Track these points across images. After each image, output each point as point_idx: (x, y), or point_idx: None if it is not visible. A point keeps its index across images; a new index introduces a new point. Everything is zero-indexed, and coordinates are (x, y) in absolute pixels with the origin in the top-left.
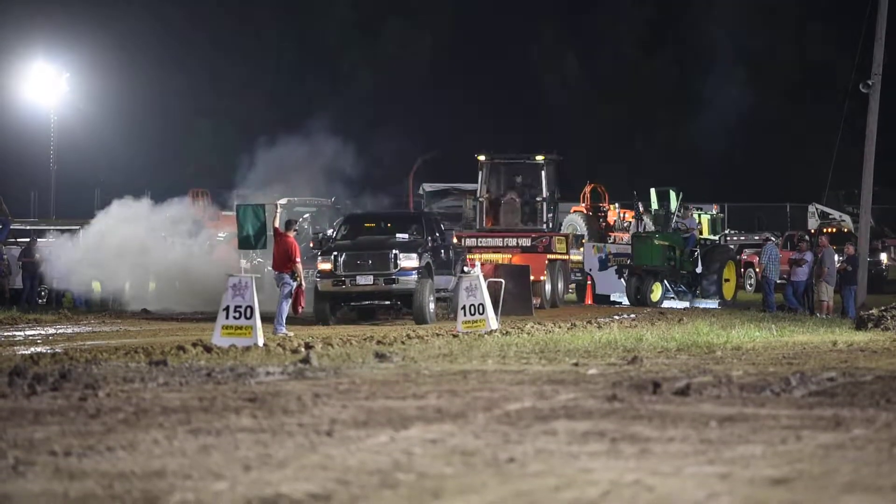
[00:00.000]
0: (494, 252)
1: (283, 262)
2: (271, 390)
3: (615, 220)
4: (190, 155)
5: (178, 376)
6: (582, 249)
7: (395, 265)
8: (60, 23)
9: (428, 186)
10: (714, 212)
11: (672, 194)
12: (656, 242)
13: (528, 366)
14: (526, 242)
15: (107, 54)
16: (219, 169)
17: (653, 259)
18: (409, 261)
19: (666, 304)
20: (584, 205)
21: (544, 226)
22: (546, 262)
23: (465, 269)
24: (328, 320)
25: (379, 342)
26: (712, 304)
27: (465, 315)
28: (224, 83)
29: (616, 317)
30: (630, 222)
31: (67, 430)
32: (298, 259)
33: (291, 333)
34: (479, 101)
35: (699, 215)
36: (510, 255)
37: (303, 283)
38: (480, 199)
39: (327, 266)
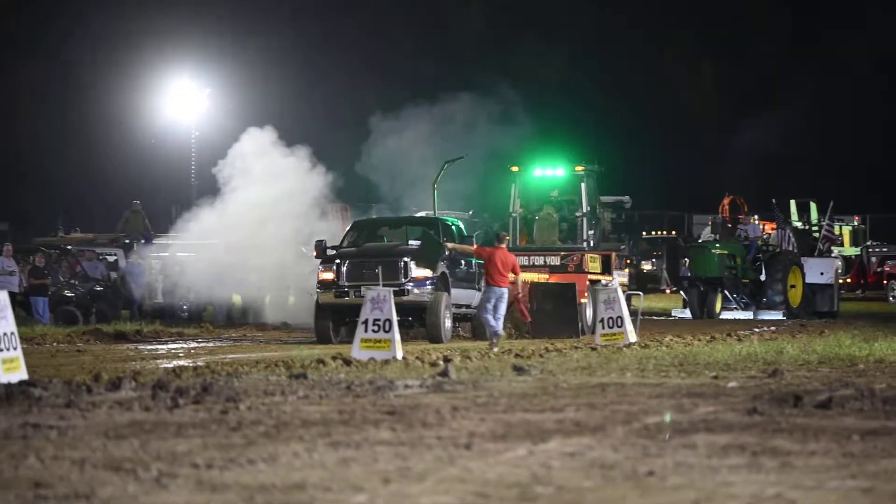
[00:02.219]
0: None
1: (494, 276)
2: (410, 403)
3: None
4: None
5: (317, 389)
6: (627, 270)
7: (406, 275)
8: (202, 39)
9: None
10: (856, 223)
11: (812, 206)
12: (714, 251)
13: (667, 379)
14: (555, 261)
15: (247, 69)
16: (357, 183)
17: (711, 269)
18: (422, 270)
19: (727, 315)
20: (721, 217)
21: (584, 243)
22: (587, 283)
23: (603, 281)
24: (330, 338)
25: (517, 355)
26: (777, 315)
27: (603, 328)
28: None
29: (756, 329)
30: (769, 234)
31: (209, 443)
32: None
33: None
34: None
35: (840, 227)
36: (547, 275)
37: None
38: (513, 215)
39: (328, 276)
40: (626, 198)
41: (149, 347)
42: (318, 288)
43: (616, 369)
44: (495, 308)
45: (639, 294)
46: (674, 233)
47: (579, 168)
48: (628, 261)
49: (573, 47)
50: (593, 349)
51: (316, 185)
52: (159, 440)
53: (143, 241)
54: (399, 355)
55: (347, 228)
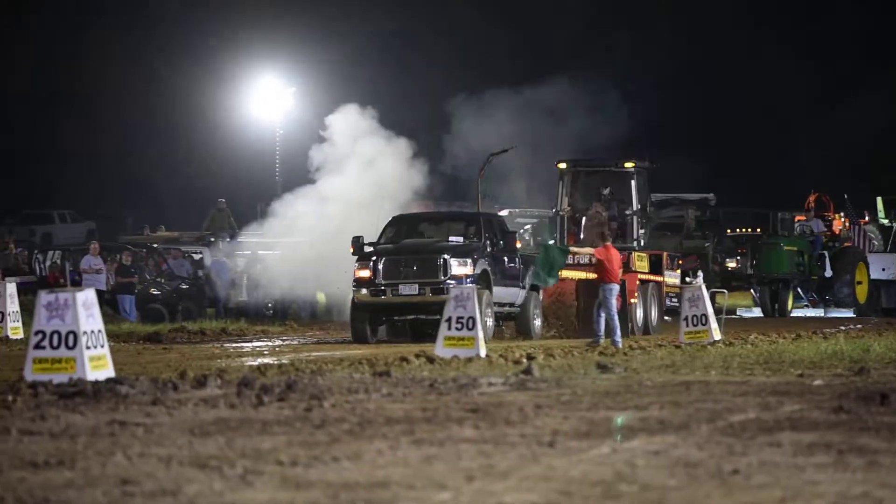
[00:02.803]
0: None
1: (615, 273)
2: (493, 401)
3: (840, 230)
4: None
5: (401, 387)
6: (678, 271)
7: (446, 272)
8: (287, 37)
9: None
10: None
11: None
12: (785, 248)
13: (752, 377)
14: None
15: (331, 67)
16: (442, 180)
17: (782, 266)
18: (462, 267)
19: (797, 313)
20: (805, 214)
21: (634, 243)
22: (638, 282)
23: (688, 278)
24: (367, 338)
25: (601, 353)
26: (847, 312)
27: (687, 325)
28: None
29: (842, 327)
30: (840, 229)
31: (294, 441)
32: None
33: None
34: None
35: None
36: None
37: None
38: (560, 213)
39: (365, 273)
40: (711, 195)
41: (234, 345)
42: (353, 286)
43: (700, 367)
44: (609, 304)
45: (723, 292)
46: (759, 230)
47: (629, 164)
48: (681, 261)
49: (657, 37)
50: (677, 347)
51: (412, 177)
52: (244, 437)
53: (228, 239)
54: (483, 353)
55: (385, 224)
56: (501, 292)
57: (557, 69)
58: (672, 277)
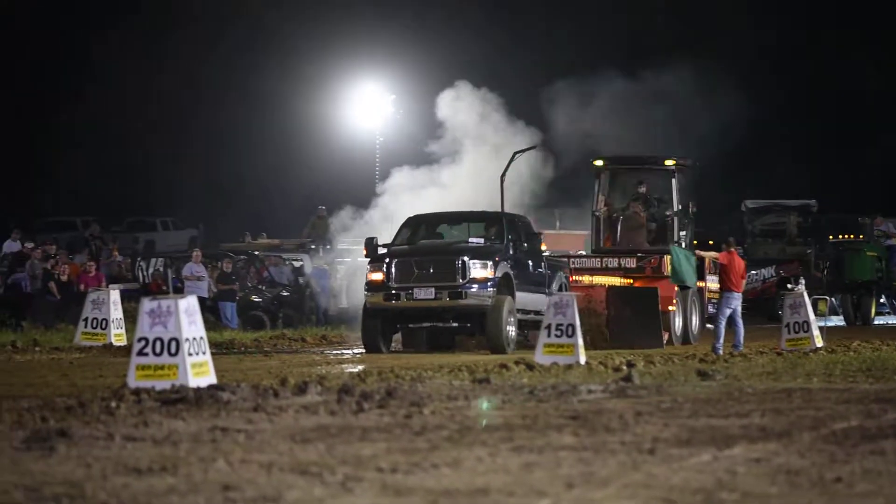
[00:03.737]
0: (593, 274)
1: (737, 281)
2: (593, 408)
3: None
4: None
5: (500, 394)
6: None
7: (464, 275)
8: (387, 44)
9: (750, 203)
10: None
11: None
12: (868, 253)
13: (855, 384)
14: (630, 263)
15: (430, 75)
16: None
17: (865, 272)
18: (482, 270)
19: (879, 320)
20: (868, 218)
21: (675, 246)
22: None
23: (789, 285)
24: (379, 346)
25: (701, 360)
26: None
27: (788, 332)
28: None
29: None
30: None
31: (393, 447)
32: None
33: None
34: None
35: None
36: (632, 278)
37: None
38: (596, 214)
39: (377, 276)
40: (812, 201)
41: (334, 352)
42: (365, 290)
43: (802, 374)
44: (722, 311)
45: (825, 298)
46: (861, 237)
47: (670, 162)
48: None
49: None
50: (779, 354)
51: (545, 171)
52: (345, 444)
53: (328, 247)
54: (582, 360)
55: (401, 224)
56: (526, 298)
57: (664, 57)
58: (714, 283)
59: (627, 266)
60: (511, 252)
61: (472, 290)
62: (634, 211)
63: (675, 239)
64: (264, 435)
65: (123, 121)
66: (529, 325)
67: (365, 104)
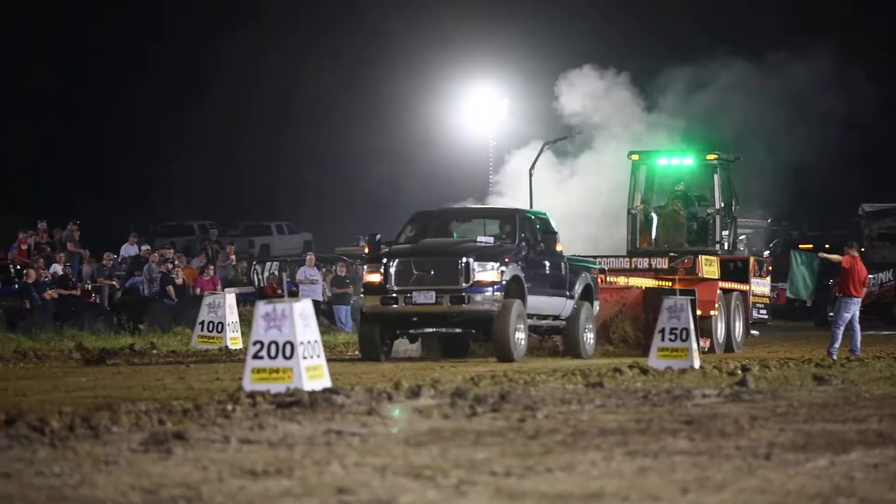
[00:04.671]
0: (623, 275)
1: (856, 286)
2: (708, 412)
3: None
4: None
5: (614, 398)
6: (768, 279)
7: (468, 278)
8: (500, 47)
9: (867, 206)
10: None
11: None
12: None
13: None
14: (662, 264)
15: (542, 78)
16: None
17: None
18: (487, 272)
19: None
20: None
21: (717, 246)
22: (719, 291)
23: None
24: (377, 354)
25: (817, 365)
26: None
27: None
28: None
29: None
30: None
31: (507, 451)
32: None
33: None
34: None
35: None
36: (667, 280)
37: None
38: (632, 212)
39: (375, 278)
40: None
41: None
42: (362, 292)
43: None
44: (841, 316)
45: None
46: None
47: (711, 157)
48: (770, 268)
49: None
50: None
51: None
52: (458, 448)
53: None
54: (696, 364)
55: (406, 221)
56: (541, 302)
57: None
58: (761, 286)
59: (659, 267)
60: (523, 253)
61: (476, 294)
62: (673, 208)
63: (718, 239)
64: (378, 438)
65: (241, 125)
66: (547, 331)
67: (478, 107)
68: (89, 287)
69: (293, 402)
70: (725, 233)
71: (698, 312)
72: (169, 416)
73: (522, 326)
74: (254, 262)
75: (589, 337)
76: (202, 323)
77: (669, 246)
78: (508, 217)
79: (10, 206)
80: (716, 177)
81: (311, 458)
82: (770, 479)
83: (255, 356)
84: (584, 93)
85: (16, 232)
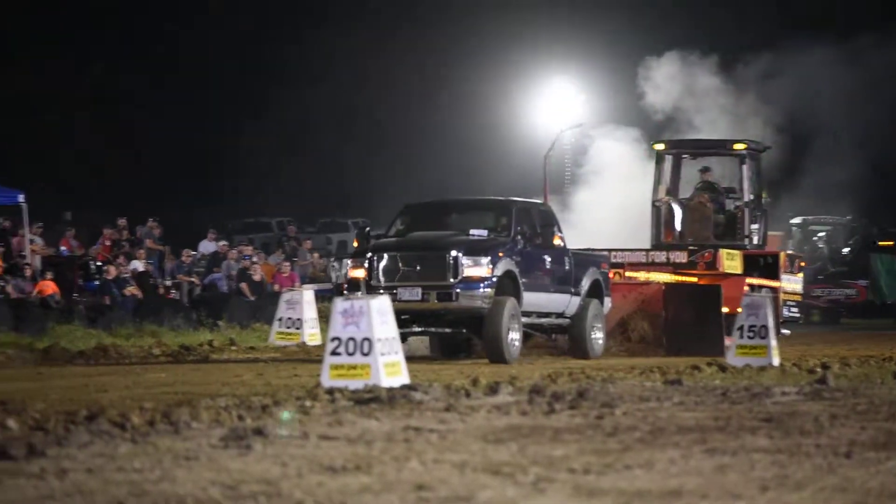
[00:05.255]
0: (636, 270)
1: None
2: (787, 410)
3: None
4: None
5: (693, 395)
6: (801, 275)
7: (455, 273)
8: (581, 44)
9: None
10: None
11: None
12: None
13: None
14: (680, 258)
15: (620, 75)
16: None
17: None
18: (477, 267)
19: None
20: None
21: (746, 241)
22: (745, 288)
23: None
24: None
25: None
26: None
27: None
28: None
29: None
30: None
31: (585, 448)
32: None
33: None
34: None
35: None
36: (697, 276)
37: None
38: (657, 204)
39: (359, 273)
40: None
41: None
42: (345, 290)
43: None
44: None
45: None
46: None
47: (739, 146)
48: (803, 263)
49: None
50: None
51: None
52: (536, 445)
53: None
54: (776, 362)
55: (397, 213)
56: (540, 299)
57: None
58: (793, 283)
59: (677, 261)
60: (519, 246)
61: (465, 290)
62: (699, 201)
63: (746, 233)
64: (456, 435)
65: (321, 122)
66: (552, 329)
67: (555, 104)
68: (169, 283)
69: (371, 399)
70: (755, 226)
71: (725, 309)
72: (248, 411)
73: (517, 325)
74: (331, 259)
75: (597, 336)
76: (280, 319)
77: (695, 240)
78: (504, 209)
79: (92, 202)
80: (744, 167)
81: (389, 454)
82: (850, 477)
83: (333, 352)
84: (667, 78)
85: (98, 228)
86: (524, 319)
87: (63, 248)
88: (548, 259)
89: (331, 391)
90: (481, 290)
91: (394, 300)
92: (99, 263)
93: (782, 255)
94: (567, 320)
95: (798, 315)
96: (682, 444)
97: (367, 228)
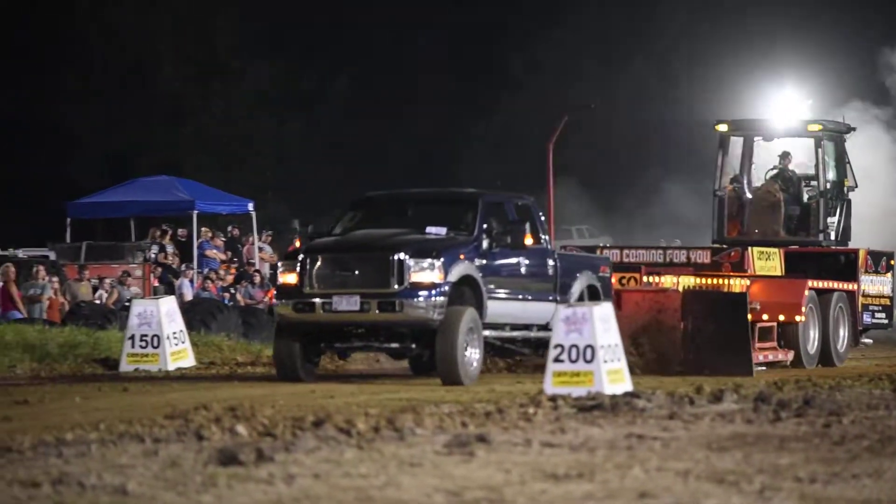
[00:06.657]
0: (653, 272)
1: None
2: None
3: None
4: None
5: None
6: (889, 275)
7: (400, 279)
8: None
9: None
10: None
11: None
12: None
13: None
14: (703, 257)
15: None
16: None
17: None
18: (426, 271)
19: None
20: None
21: (821, 235)
22: (806, 292)
23: None
24: (296, 371)
25: None
26: None
27: None
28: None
29: None
30: None
31: (811, 457)
32: None
33: None
34: None
35: None
36: (745, 281)
37: None
38: (719, 193)
39: (290, 279)
40: None
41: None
42: (276, 298)
43: None
44: None
45: None
46: None
47: (815, 127)
48: (893, 262)
49: None
50: None
51: None
52: (761, 453)
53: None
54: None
55: (346, 208)
56: (509, 309)
57: None
58: (876, 284)
59: (699, 261)
60: (484, 246)
61: (411, 299)
62: (767, 190)
63: (822, 227)
64: (680, 442)
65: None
66: (533, 344)
67: (781, 109)
68: None
69: (594, 406)
70: (832, 220)
71: (780, 318)
72: (471, 418)
73: (476, 340)
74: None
75: None
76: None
77: (762, 234)
78: (469, 202)
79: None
80: (819, 151)
81: (612, 461)
82: None
83: (556, 360)
84: None
85: None
86: (492, 333)
87: None
88: (524, 262)
89: (553, 398)
90: (431, 298)
91: (328, 310)
92: None
93: (862, 252)
94: (543, 334)
95: (885, 321)
96: None
97: (310, 227)
